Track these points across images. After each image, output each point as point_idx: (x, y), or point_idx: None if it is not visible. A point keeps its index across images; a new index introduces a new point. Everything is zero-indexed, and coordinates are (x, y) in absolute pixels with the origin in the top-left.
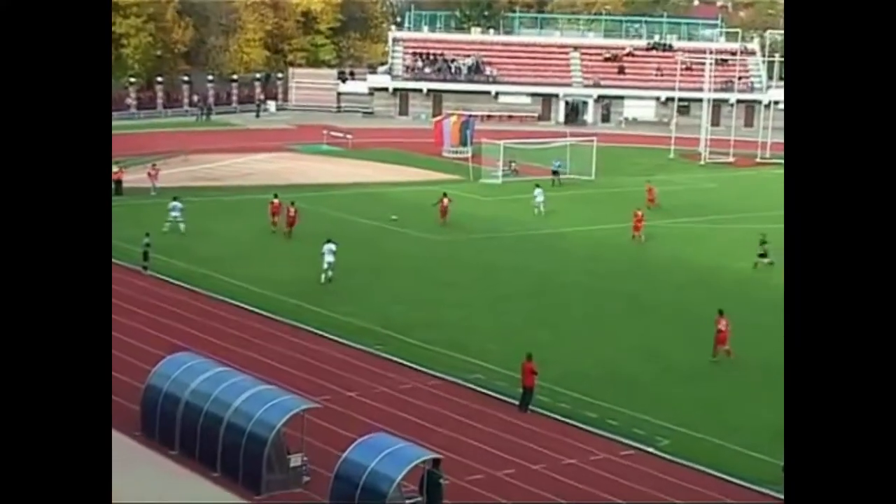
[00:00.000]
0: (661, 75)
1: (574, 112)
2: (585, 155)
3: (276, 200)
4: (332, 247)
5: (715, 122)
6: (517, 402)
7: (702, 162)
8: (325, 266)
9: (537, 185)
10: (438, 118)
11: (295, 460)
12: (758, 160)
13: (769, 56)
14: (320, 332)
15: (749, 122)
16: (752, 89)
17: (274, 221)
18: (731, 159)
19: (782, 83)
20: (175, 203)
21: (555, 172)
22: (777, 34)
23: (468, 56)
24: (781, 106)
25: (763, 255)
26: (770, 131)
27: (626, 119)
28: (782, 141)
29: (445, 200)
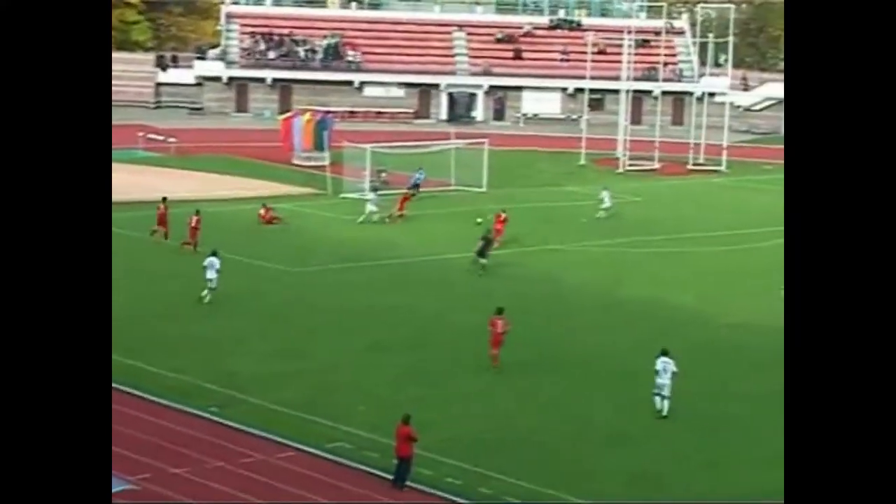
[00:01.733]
0: (568, 61)
1: (460, 107)
2: (475, 161)
3: (162, 206)
4: (216, 261)
5: (636, 118)
6: (391, 477)
7: (620, 169)
8: (209, 285)
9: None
10: (287, 116)
11: None
12: (689, 166)
13: (701, 36)
14: (142, 394)
15: (678, 119)
16: (680, 78)
17: (155, 230)
18: (655, 165)
19: (717, 69)
20: None
21: (415, 185)
22: (710, 8)
23: (324, 37)
24: (718, 98)
25: None
26: (704, 130)
27: (525, 116)
28: (720, 142)
29: (264, 211)
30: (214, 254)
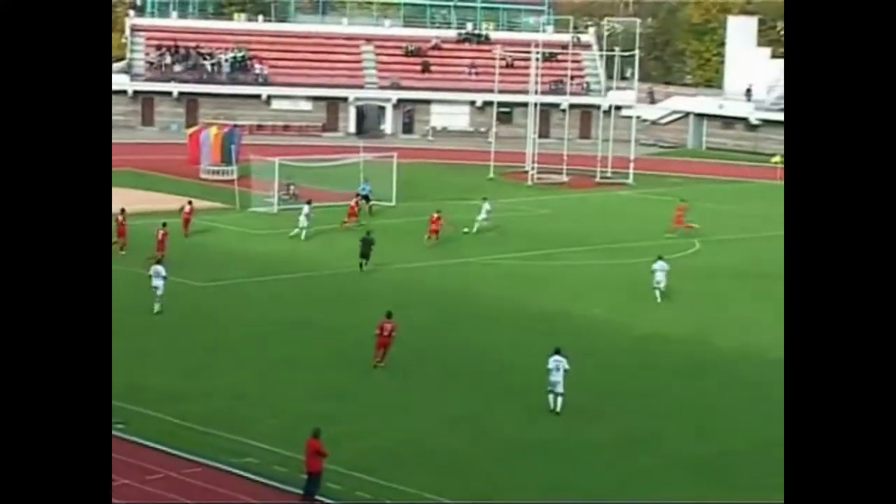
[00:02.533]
0: (477, 74)
1: (368, 121)
2: (384, 175)
3: (121, 217)
4: (161, 269)
5: (544, 132)
6: (300, 492)
7: (529, 182)
8: (157, 293)
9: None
10: (193, 129)
11: None
12: (597, 179)
13: (608, 50)
14: None
15: (585, 132)
16: (587, 91)
17: (115, 242)
18: (564, 179)
19: (624, 83)
20: None
21: (365, 198)
22: (616, 23)
23: (230, 50)
24: (624, 112)
25: None
26: (611, 143)
27: (434, 129)
28: (627, 155)
29: (160, 232)
30: (159, 262)
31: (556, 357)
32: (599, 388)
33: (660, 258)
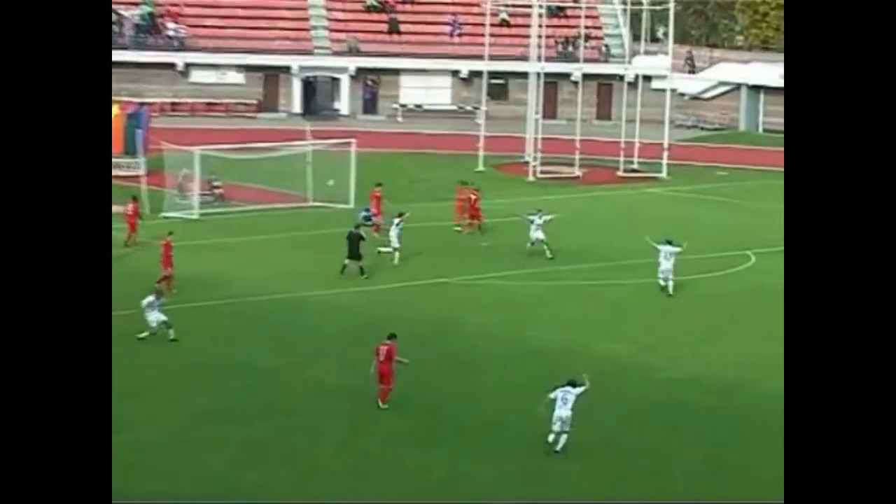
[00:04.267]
0: (461, 35)
1: (319, 98)
2: (339, 169)
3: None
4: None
5: (550, 111)
6: None
7: (530, 177)
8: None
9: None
10: None
11: None
12: (620, 173)
13: (633, 2)
14: None
15: (604, 112)
16: (607, 57)
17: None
18: (576, 172)
19: (655, 46)
20: None
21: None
22: None
23: (136, 5)
24: (655, 84)
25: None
26: (638, 125)
27: (405, 108)
28: (660, 140)
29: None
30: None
31: (567, 388)
32: (619, 443)
33: (668, 242)
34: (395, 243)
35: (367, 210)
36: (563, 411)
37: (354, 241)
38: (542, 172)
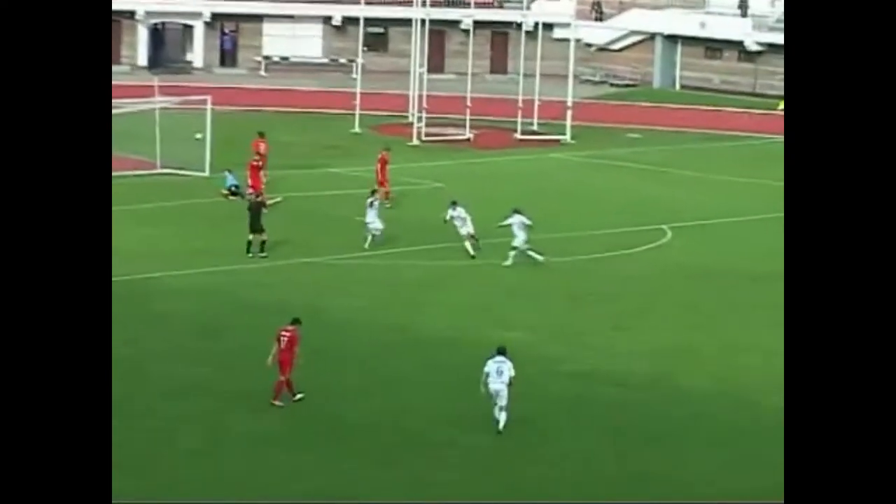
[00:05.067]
0: None
1: (168, 48)
2: (192, 130)
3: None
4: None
5: (436, 64)
6: None
7: (414, 140)
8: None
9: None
10: None
11: None
12: (518, 136)
13: None
14: None
15: (499, 65)
16: (502, 3)
17: None
18: (467, 135)
19: None
20: None
21: (233, 193)
22: None
23: None
24: (558, 33)
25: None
26: (537, 81)
27: (269, 60)
28: (563, 98)
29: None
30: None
31: (499, 358)
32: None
33: (517, 211)
34: (378, 223)
35: (232, 174)
36: (496, 384)
37: (256, 211)
38: (427, 135)
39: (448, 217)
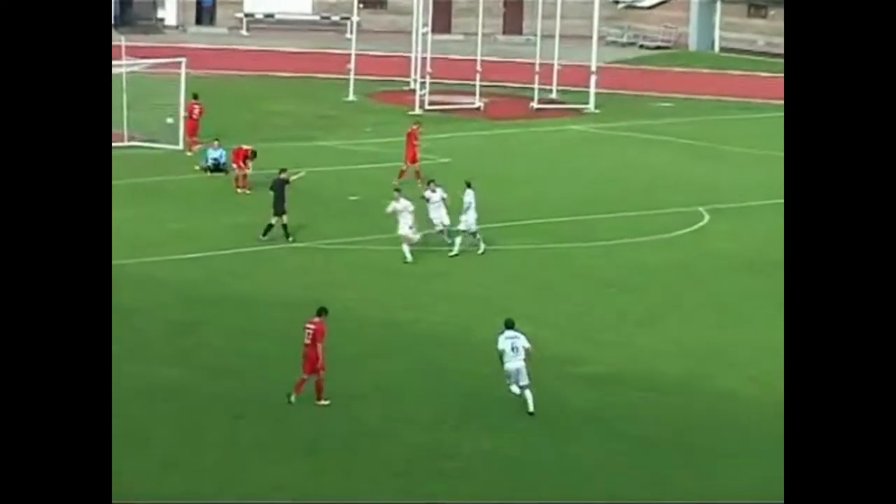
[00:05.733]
0: None
1: (138, 5)
2: (163, 97)
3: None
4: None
5: (442, 23)
6: None
7: (416, 109)
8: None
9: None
10: None
11: None
12: (534, 105)
13: None
14: None
15: (514, 25)
16: None
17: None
18: (477, 104)
19: None
20: None
21: (216, 168)
22: None
23: None
24: None
25: None
26: (557, 43)
27: (251, 17)
28: (586, 62)
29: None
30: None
31: (510, 333)
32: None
33: (468, 184)
34: (444, 220)
35: (216, 148)
36: (515, 363)
37: (280, 190)
38: (431, 104)
39: (391, 210)
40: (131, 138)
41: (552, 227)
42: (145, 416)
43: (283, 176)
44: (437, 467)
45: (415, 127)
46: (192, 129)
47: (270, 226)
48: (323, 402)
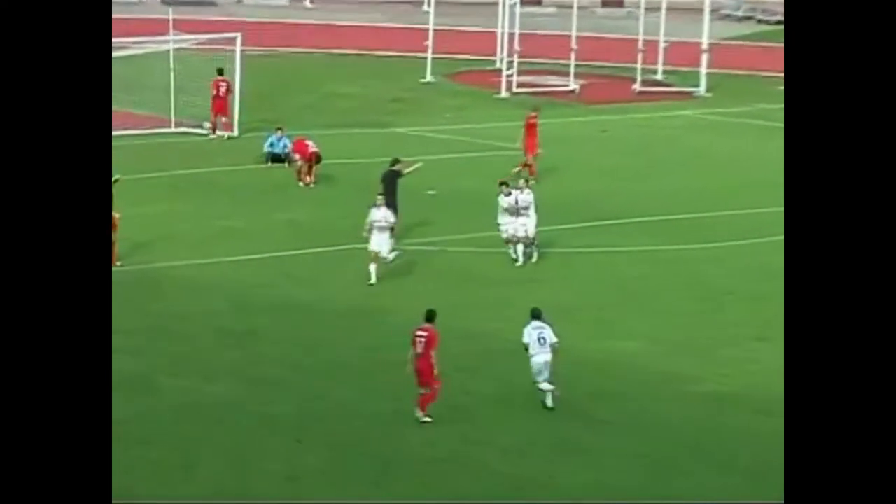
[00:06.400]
0: None
1: None
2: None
3: None
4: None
5: None
6: None
7: (502, 93)
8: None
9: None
10: None
11: None
12: (637, 87)
13: None
14: None
15: None
16: None
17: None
18: (571, 86)
19: None
20: None
21: (275, 157)
22: None
23: None
24: None
25: None
26: (663, 17)
27: None
28: (697, 39)
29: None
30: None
31: (537, 323)
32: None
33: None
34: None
35: (282, 135)
36: (542, 355)
37: (391, 182)
38: (519, 86)
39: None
40: (179, 124)
41: (658, 227)
42: (192, 439)
43: (395, 167)
44: (526, 500)
45: (534, 115)
46: (221, 108)
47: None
48: (425, 418)
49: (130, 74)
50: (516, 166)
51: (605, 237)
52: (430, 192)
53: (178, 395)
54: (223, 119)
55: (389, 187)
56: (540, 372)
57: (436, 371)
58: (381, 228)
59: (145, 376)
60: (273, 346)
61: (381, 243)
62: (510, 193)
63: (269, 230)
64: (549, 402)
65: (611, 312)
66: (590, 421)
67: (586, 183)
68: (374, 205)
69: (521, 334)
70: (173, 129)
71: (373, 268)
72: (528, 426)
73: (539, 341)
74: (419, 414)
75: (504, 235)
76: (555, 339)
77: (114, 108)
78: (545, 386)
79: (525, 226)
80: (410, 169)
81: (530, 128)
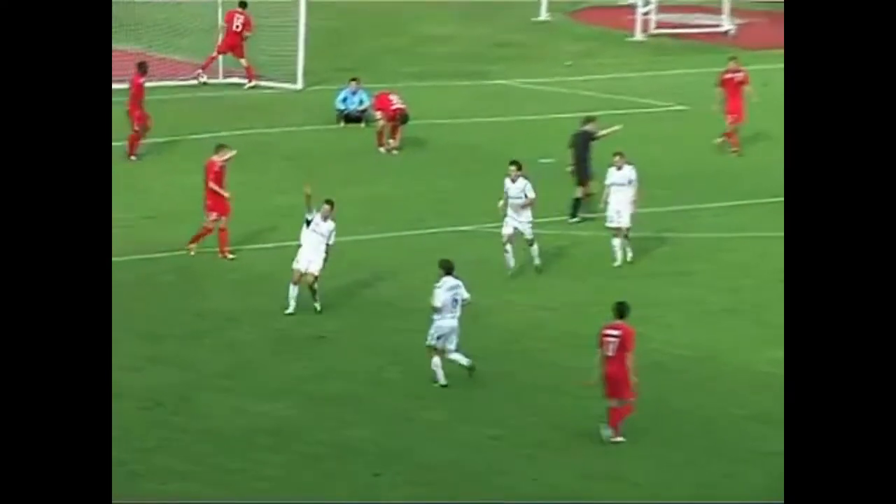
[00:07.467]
0: None
1: None
2: (278, 24)
3: None
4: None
5: None
6: None
7: (636, 35)
8: None
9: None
10: None
11: None
12: None
13: None
14: None
15: None
16: None
17: None
18: (725, 26)
19: None
20: None
21: (351, 118)
22: None
23: None
24: None
25: None
26: None
27: None
28: None
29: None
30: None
31: (451, 282)
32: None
33: (618, 154)
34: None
35: (357, 88)
36: (451, 319)
37: (583, 147)
38: (659, 26)
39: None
40: (228, 74)
41: None
42: (240, 472)
43: (587, 127)
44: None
45: (736, 68)
46: (232, 45)
47: (576, 200)
48: (616, 438)
49: (170, 17)
50: (719, 136)
51: (751, 218)
52: (544, 161)
53: (225, 417)
54: (243, 63)
55: (581, 153)
56: (446, 337)
57: (633, 379)
58: (519, 207)
59: (184, 394)
60: (344, 355)
61: (516, 223)
62: (622, 167)
63: (340, 208)
64: (465, 362)
65: (753, 312)
66: (757, 452)
67: (742, 151)
68: (508, 176)
69: (673, 344)
70: (222, 80)
71: (509, 248)
72: (672, 458)
73: (453, 303)
74: (607, 433)
75: (607, 224)
76: (467, 296)
77: (154, 53)
78: (460, 359)
79: (619, 213)
80: (606, 132)
81: (732, 84)
